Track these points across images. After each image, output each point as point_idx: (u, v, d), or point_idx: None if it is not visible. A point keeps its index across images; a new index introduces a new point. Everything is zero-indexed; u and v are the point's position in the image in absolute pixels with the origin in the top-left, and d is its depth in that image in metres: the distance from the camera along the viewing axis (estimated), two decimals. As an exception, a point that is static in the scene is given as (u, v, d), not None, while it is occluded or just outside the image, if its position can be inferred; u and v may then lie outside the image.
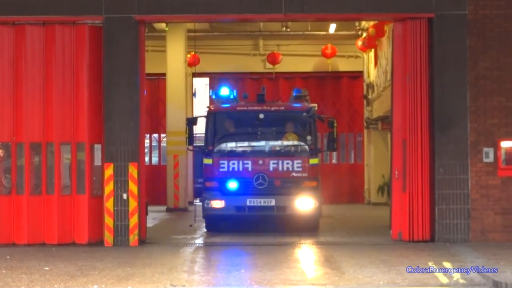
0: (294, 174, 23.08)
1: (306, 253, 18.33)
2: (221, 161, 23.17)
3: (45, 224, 21.19)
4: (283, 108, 24.81)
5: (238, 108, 24.40)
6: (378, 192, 35.08)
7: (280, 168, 23.05)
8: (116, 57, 21.22)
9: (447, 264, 17.12)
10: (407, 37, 21.57)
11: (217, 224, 24.07)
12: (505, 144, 20.97)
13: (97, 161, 21.46)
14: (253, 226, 24.04)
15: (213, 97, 25.10)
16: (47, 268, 17.30)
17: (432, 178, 21.14)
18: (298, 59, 35.55)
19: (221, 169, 23.13)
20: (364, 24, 32.63)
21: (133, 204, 20.94)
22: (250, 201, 22.87)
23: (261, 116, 23.52)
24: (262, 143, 23.84)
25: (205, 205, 23.24)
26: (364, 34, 32.81)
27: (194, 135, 23.90)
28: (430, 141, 21.22)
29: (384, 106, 29.58)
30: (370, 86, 35.99)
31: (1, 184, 21.53)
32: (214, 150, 23.37)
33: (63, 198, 21.25)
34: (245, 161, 23.09)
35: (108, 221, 20.93)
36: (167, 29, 31.29)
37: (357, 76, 37.80)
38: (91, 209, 21.23)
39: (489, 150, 21.00)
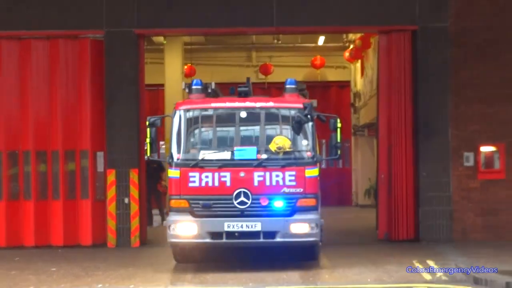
0: (285, 189, 16.37)
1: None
2: (190, 174, 16.47)
3: (51, 227, 21.27)
4: (271, 104, 17.31)
5: (213, 105, 17.28)
6: (365, 195, 35.17)
7: (268, 182, 16.36)
8: (117, 69, 21.31)
9: (430, 263, 17.18)
10: (391, 48, 21.69)
11: (187, 255, 17.84)
12: (484, 149, 21.11)
13: (100, 168, 21.51)
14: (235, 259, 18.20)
15: (186, 90, 18.10)
16: (54, 269, 17.36)
17: (416, 181, 21.25)
18: (289, 69, 35.57)
19: (190, 184, 16.45)
20: (351, 36, 32.72)
21: (134, 207, 21.01)
22: (229, 225, 16.22)
23: (243, 114, 16.94)
24: (244, 149, 16.75)
25: (170, 231, 16.51)
26: (351, 46, 32.88)
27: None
28: (414, 147, 21.34)
29: (370, 114, 29.67)
30: (357, 95, 36.13)
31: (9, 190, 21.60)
32: (181, 160, 16.68)
33: (68, 203, 21.31)
34: (222, 174, 16.39)
35: (111, 224, 21.01)
36: (165, 42, 31.35)
37: (344, 85, 37.90)
38: (94, 212, 21.29)
39: (469, 155, 21.10)
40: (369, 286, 14.85)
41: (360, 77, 35.17)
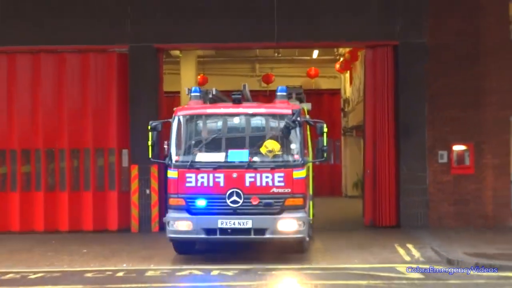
0: (274, 190, 15.32)
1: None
2: (187, 175, 15.47)
3: (83, 214, 21.34)
4: (262, 110, 16.34)
5: (208, 111, 16.30)
6: (353, 187, 35.10)
7: (258, 183, 15.33)
8: (139, 78, 21.35)
9: (410, 246, 17.21)
10: (376, 61, 21.74)
11: (186, 248, 16.74)
12: (456, 148, 21.12)
13: (125, 163, 21.56)
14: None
15: (189, 95, 16.86)
16: (85, 251, 17.42)
17: (397, 176, 21.28)
18: (288, 79, 35.37)
19: (187, 184, 15.48)
20: (341, 50, 32.67)
21: (154, 198, 21.06)
22: (222, 223, 15.30)
23: (236, 120, 16.02)
24: (237, 152, 15.70)
25: (169, 226, 15.61)
26: (341, 59, 32.84)
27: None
28: (395, 146, 21.37)
29: (358, 117, 29.61)
30: (346, 101, 36.07)
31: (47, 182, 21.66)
32: (179, 161, 15.66)
33: (97, 194, 21.38)
34: (216, 175, 15.37)
35: (134, 212, 21.04)
36: (180, 55, 31.27)
37: (335, 92, 37.79)
38: (120, 202, 21.37)
39: (443, 153, 21.12)
40: (356, 266, 14.87)
41: (349, 85, 35.10)
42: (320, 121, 16.08)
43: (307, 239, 16.26)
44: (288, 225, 15.30)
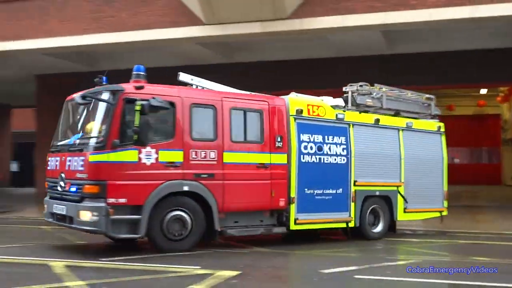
0: (78, 174, 9.54)
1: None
2: (49, 158, 10.62)
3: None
4: (85, 92, 10.08)
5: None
6: (511, 179, 34.26)
7: (72, 167, 9.70)
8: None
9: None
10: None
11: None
12: None
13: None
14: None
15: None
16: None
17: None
18: (465, 108, 35.13)
19: (48, 167, 10.68)
20: (502, 88, 31.89)
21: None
22: (55, 207, 10.11)
23: (76, 102, 10.09)
24: (70, 136, 10.30)
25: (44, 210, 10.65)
26: (502, 94, 32.07)
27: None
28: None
29: (514, 133, 28.80)
30: (505, 121, 35.10)
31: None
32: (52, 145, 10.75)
33: None
34: (55, 158, 10.31)
35: None
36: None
37: (497, 116, 36.96)
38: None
39: None
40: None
41: (507, 110, 34.20)
42: (144, 99, 9.43)
43: (119, 236, 9.35)
44: (84, 215, 9.41)
